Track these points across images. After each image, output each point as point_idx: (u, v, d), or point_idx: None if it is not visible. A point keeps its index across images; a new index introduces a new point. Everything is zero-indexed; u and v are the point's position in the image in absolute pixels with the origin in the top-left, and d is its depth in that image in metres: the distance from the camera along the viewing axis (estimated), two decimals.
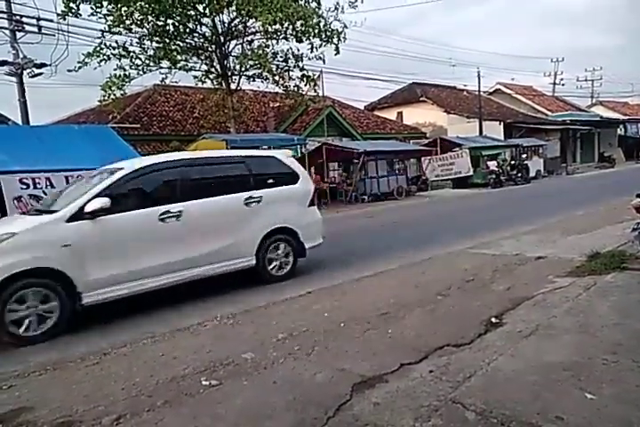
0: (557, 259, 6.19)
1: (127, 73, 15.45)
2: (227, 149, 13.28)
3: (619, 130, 36.30)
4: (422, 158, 21.47)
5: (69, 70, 14.68)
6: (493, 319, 4.10)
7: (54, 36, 14.41)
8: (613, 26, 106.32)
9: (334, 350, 3.72)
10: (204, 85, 17.62)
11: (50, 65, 14.73)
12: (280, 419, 2.73)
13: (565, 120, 31.64)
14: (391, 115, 29.47)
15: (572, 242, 7.17)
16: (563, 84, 43.16)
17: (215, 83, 17.18)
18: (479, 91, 28.16)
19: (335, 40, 15.98)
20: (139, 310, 5.35)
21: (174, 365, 3.65)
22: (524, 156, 23.16)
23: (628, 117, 40.30)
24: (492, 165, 20.59)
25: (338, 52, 16.38)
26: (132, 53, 15.46)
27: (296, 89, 17.57)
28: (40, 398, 3.25)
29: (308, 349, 3.75)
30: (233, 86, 16.97)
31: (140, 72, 15.80)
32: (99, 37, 14.89)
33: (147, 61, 15.70)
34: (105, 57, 14.94)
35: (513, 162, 22.18)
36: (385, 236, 9.88)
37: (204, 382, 3.29)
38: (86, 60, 14.76)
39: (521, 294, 4.75)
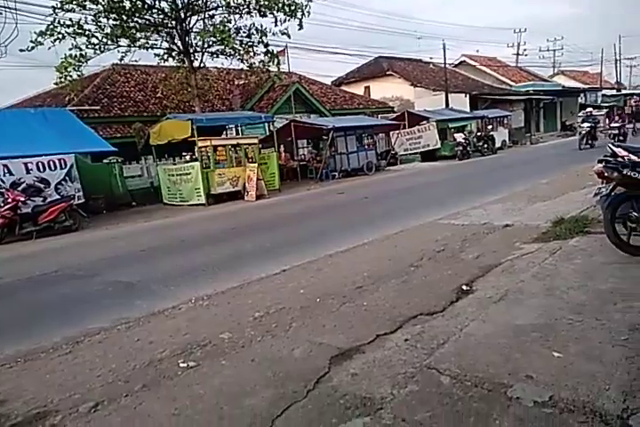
0: (524, 226, 6.36)
1: (83, 53, 14.77)
2: (192, 128, 12.99)
3: (580, 99, 37.05)
4: (391, 133, 21.49)
5: (21, 50, 13.92)
6: (464, 287, 4.21)
7: (1, 14, 13.62)
8: None
9: (311, 325, 3.75)
10: (166, 64, 17.04)
11: None
12: (260, 395, 2.75)
13: (529, 90, 32.10)
14: (358, 89, 29.26)
15: (538, 209, 7.36)
16: (526, 55, 43.70)
17: (177, 60, 16.63)
18: (445, 63, 28.16)
19: (299, 14, 15.63)
20: (110, 298, 5.27)
21: (150, 349, 3.62)
22: (490, 127, 23.44)
23: (588, 86, 41.15)
24: (459, 137, 20.77)
25: (301, 27, 16.06)
26: (87, 32, 14.73)
27: (261, 66, 17.18)
28: (12, 390, 3.18)
29: (285, 326, 3.78)
30: (196, 64, 16.46)
31: (98, 51, 15.12)
32: (50, 15, 14.13)
33: (104, 40, 15.02)
34: (59, 35, 14.21)
35: (479, 133, 22.44)
36: (356, 211, 9.92)
37: (181, 365, 3.28)
38: (39, 39, 14.01)
39: (490, 262, 4.88)
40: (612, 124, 18.58)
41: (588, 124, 18.83)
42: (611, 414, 2.22)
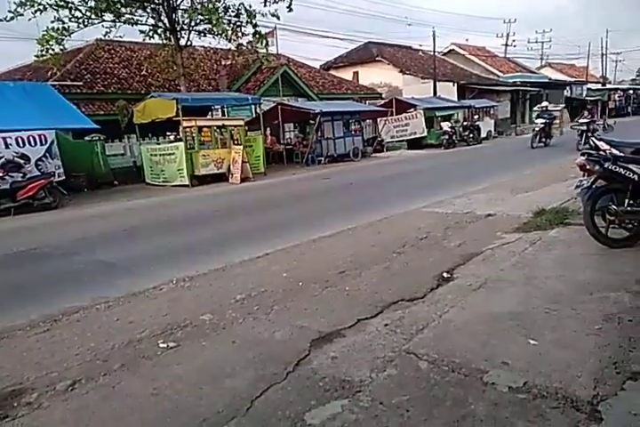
0: (506, 216, 6.43)
1: (66, 26, 14.34)
2: (177, 108, 12.76)
3: (565, 91, 37.35)
4: (378, 119, 21.41)
5: None
6: (445, 274, 4.26)
7: None
8: None
9: (293, 308, 3.77)
10: (152, 41, 16.63)
11: None
12: (240, 376, 2.77)
13: (516, 81, 32.24)
14: (347, 75, 29.02)
15: (520, 200, 7.45)
16: (514, 46, 43.73)
17: (163, 38, 16.23)
18: (434, 51, 28.05)
19: None
20: (89, 277, 5.21)
21: (130, 329, 3.60)
22: (476, 117, 23.51)
23: (574, 79, 41.48)
24: (446, 125, 20.81)
25: (291, 10, 15.78)
26: (70, 4, 14.27)
27: (249, 47, 16.88)
28: None
29: (267, 308, 3.79)
30: (182, 42, 16.10)
31: (81, 25, 14.68)
32: None
33: (87, 13, 14.56)
34: (40, 7, 13.73)
35: (465, 123, 22.49)
36: (341, 197, 9.93)
37: (161, 345, 3.27)
38: (19, 9, 13.54)
39: (471, 250, 4.94)
40: (581, 120, 16.54)
41: (543, 121, 17.45)
42: (582, 400, 2.28)
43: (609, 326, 2.99)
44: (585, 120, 16.31)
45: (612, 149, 4.63)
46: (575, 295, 3.52)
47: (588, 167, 4.55)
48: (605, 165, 4.38)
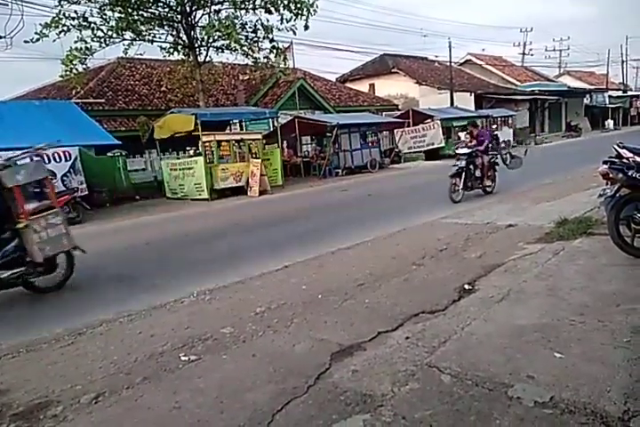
0: (527, 226, 6.34)
1: (89, 45, 14.79)
2: (196, 123, 12.98)
3: (585, 99, 36.91)
4: (395, 131, 21.43)
5: (26, 41, 13.93)
6: (466, 286, 4.20)
7: (7, 5, 13.58)
8: None
9: (313, 321, 3.76)
10: (171, 57, 17.04)
11: (4, 37, 13.93)
12: (261, 390, 2.76)
13: (534, 90, 31.98)
14: (363, 87, 29.20)
15: (542, 210, 7.34)
16: (532, 55, 43.52)
17: (182, 54, 16.61)
18: (450, 62, 28.06)
19: (305, 12, 15.48)
20: (112, 290, 5.29)
21: (152, 342, 3.63)
22: (495, 126, 23.38)
23: (594, 87, 40.97)
24: (464, 136, 20.69)
25: (307, 28, 15.88)
26: (92, 24, 14.74)
27: (266, 61, 17.14)
28: (15, 380, 3.19)
29: (287, 321, 3.78)
30: (201, 58, 16.44)
31: (103, 44, 15.14)
32: (55, 7, 14.12)
33: (109, 33, 15.02)
34: (64, 28, 14.21)
35: None
36: (359, 209, 9.91)
37: (182, 358, 3.29)
38: (44, 31, 14.02)
39: (492, 261, 4.87)
40: (459, 150, 9.72)
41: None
42: (612, 415, 2.22)
43: (638, 338, 2.90)
44: (464, 149, 9.41)
45: (636, 156, 4.54)
46: (601, 307, 3.44)
47: (611, 176, 4.48)
48: (629, 173, 4.30)
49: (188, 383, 2.93)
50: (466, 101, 26.90)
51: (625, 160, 4.53)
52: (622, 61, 46.34)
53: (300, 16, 15.53)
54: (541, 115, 33.14)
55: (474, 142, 9.80)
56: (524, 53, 42.68)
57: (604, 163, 4.57)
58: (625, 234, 4.47)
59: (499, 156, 10.89)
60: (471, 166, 9.48)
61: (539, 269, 4.46)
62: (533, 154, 20.38)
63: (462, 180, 9.20)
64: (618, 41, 77.01)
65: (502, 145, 12.36)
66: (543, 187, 9.88)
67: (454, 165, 9.39)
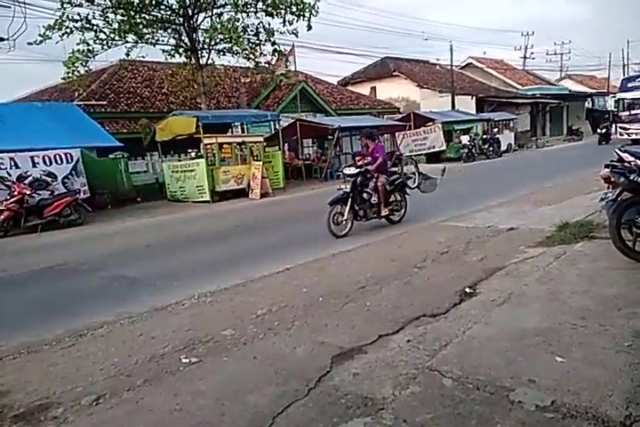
0: (528, 230, 6.34)
1: (91, 48, 14.83)
2: (197, 125, 12.99)
3: (586, 103, 36.92)
4: (396, 134, 21.45)
5: (29, 43, 13.99)
6: (467, 289, 4.20)
7: (10, 7, 13.64)
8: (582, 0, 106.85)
9: (314, 324, 3.76)
10: (173, 60, 17.10)
11: (7, 39, 13.99)
12: (261, 393, 2.76)
13: (535, 94, 32.01)
14: (364, 90, 29.24)
15: (543, 213, 7.34)
16: (533, 58, 43.51)
17: (184, 57, 16.65)
18: (451, 65, 28.11)
19: (307, 14, 15.58)
20: (113, 292, 5.29)
21: (153, 344, 3.63)
22: (496, 130, 23.39)
23: (595, 91, 40.98)
24: (465, 139, 20.73)
25: (310, 28, 15.97)
26: (95, 27, 14.80)
27: (267, 65, 17.19)
28: (15, 381, 3.20)
29: (288, 324, 3.78)
30: (203, 61, 16.49)
31: (105, 47, 15.17)
32: (58, 9, 14.17)
33: (111, 35, 15.06)
34: (67, 30, 14.27)
35: (485, 136, 22.36)
36: None
37: (183, 360, 3.29)
38: (47, 33, 14.07)
39: (494, 265, 4.87)
40: (347, 171, 7.57)
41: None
42: (613, 420, 2.21)
43: (639, 342, 2.90)
44: (350, 169, 7.49)
45: (638, 160, 4.55)
46: (603, 311, 3.43)
47: (612, 179, 4.48)
48: (631, 177, 4.29)
49: (189, 385, 2.93)
50: (467, 105, 26.92)
51: (627, 164, 4.54)
52: (623, 65, 46.32)
53: (302, 17, 15.61)
54: (542, 118, 33.16)
55: (367, 160, 7.62)
56: (525, 57, 42.74)
57: (606, 166, 4.58)
58: (626, 238, 4.46)
59: (415, 176, 8.57)
60: (366, 190, 7.42)
61: (540, 272, 4.46)
62: (534, 157, 20.44)
63: (349, 207, 7.12)
64: (619, 45, 77.10)
65: (407, 162, 8.96)
66: (545, 190, 9.88)
67: (339, 189, 7.31)
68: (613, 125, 21.80)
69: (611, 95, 23.39)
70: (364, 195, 7.42)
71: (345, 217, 7.15)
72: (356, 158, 8.09)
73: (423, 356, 3.01)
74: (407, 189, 8.14)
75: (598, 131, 24.32)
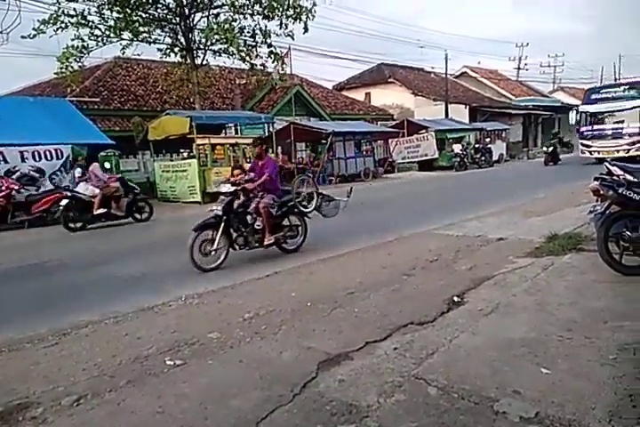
0: (518, 240, 6.38)
1: (86, 44, 14.75)
2: (191, 125, 12.94)
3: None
4: (390, 140, 21.56)
5: (23, 37, 13.89)
6: (456, 298, 4.21)
7: (4, 0, 13.53)
8: (576, 13, 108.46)
9: (301, 329, 3.74)
10: (168, 59, 17.05)
11: (1, 32, 13.86)
12: (246, 397, 2.73)
13: (528, 105, 32.38)
14: (359, 95, 29.37)
15: (532, 224, 7.39)
16: (527, 69, 43.95)
17: (179, 56, 16.61)
18: (446, 73, 28.33)
19: (304, 17, 15.65)
20: (98, 291, 5.23)
21: (138, 345, 3.59)
22: (488, 139, 23.62)
23: None
24: (457, 148, 20.91)
25: (306, 31, 16.07)
26: (90, 23, 14.71)
27: (262, 67, 17.21)
28: None
29: (275, 328, 3.76)
30: (198, 61, 16.46)
31: (100, 43, 15.10)
32: (54, 4, 14.08)
33: (107, 32, 14.99)
34: (62, 25, 14.16)
35: (477, 145, 22.57)
36: (351, 217, 9.90)
37: (168, 362, 3.25)
38: (42, 27, 13.96)
39: (482, 274, 4.89)
40: (223, 188, 6.33)
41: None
42: None
43: (624, 356, 2.92)
44: (226, 186, 6.26)
45: (626, 174, 4.60)
46: (589, 323, 3.45)
47: (601, 192, 4.52)
48: (619, 191, 4.34)
49: (173, 388, 2.90)
50: (460, 114, 27.14)
51: (615, 177, 4.58)
52: (615, 79, 46.95)
53: (298, 20, 15.67)
54: (535, 130, 33.53)
55: (250, 175, 6.29)
56: (519, 68, 43.17)
57: (596, 179, 4.62)
58: (614, 251, 4.50)
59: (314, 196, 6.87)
60: (248, 211, 6.25)
61: (528, 283, 4.48)
62: (525, 168, 20.56)
63: (221, 233, 5.89)
64: (611, 59, 78.26)
65: (303, 180, 7.10)
66: (535, 201, 9.95)
67: (210, 210, 6.10)
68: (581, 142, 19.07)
69: (574, 108, 20.48)
70: (248, 218, 6.24)
71: (215, 246, 5.83)
72: (237, 173, 6.46)
73: (409, 364, 3.00)
74: (309, 212, 6.76)
75: (544, 149, 21.82)
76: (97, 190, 9.78)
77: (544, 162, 20.88)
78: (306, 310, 4.14)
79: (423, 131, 21.55)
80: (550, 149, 21.01)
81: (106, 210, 9.74)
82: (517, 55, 43.21)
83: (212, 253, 5.85)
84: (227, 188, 6.12)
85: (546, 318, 3.60)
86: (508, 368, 2.86)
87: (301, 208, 6.61)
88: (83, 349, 3.57)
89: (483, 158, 21.81)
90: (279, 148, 17.79)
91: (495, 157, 23.23)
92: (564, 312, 3.70)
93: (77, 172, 10.58)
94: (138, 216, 10.40)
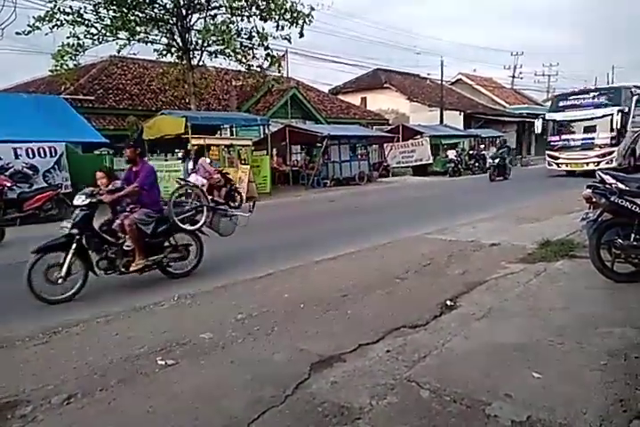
0: (510, 246, 6.41)
1: (81, 42, 14.70)
2: (186, 125, 12.91)
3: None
4: (384, 145, 21.64)
5: (18, 33, 13.82)
6: (448, 302, 4.22)
7: None
8: (571, 25, 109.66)
9: (294, 330, 3.73)
10: (165, 59, 17.01)
11: None
12: (237, 398, 2.72)
13: (522, 113, 32.61)
14: (355, 100, 29.46)
15: (525, 230, 7.44)
16: (521, 78, 44.33)
17: (175, 57, 16.58)
18: (442, 80, 28.51)
19: (301, 22, 15.68)
20: (91, 290, 5.18)
21: (129, 344, 3.57)
22: (482, 146, 23.75)
23: None
24: (452, 154, 21.01)
25: (302, 35, 16.08)
26: (87, 21, 14.67)
27: (258, 69, 17.22)
28: None
29: (268, 329, 3.75)
30: (194, 62, 16.43)
31: (96, 42, 15.07)
32: (51, 1, 14.02)
33: (103, 31, 14.94)
34: (58, 22, 14.11)
35: (471, 152, 22.71)
36: (345, 220, 9.92)
37: (159, 362, 3.23)
38: (37, 24, 13.90)
39: (475, 279, 4.91)
40: (76, 200, 5.13)
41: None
42: None
43: (614, 361, 2.94)
44: (80, 198, 5.05)
45: (618, 182, 4.64)
46: (580, 329, 3.48)
47: (594, 200, 4.57)
48: (611, 199, 4.39)
49: (164, 388, 2.88)
50: (455, 120, 27.31)
51: (608, 186, 4.63)
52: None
53: (295, 24, 15.70)
54: (528, 137, 33.75)
55: (117, 184, 5.40)
56: (513, 76, 43.54)
57: (588, 187, 4.67)
58: (605, 258, 4.54)
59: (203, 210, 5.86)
60: (113, 228, 5.21)
61: (520, 288, 4.51)
62: (519, 174, 20.68)
63: (71, 256, 4.76)
64: (605, 69, 79.20)
65: (187, 190, 6.26)
66: (528, 208, 10.01)
67: (62, 227, 4.92)
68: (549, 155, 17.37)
69: (539, 116, 18.67)
70: (112, 237, 5.15)
71: (64, 271, 4.70)
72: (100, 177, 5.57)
73: (402, 367, 3.01)
74: (196, 229, 5.74)
75: (489, 162, 18.44)
76: (205, 181, 11.13)
77: (489, 177, 17.53)
78: (299, 312, 4.14)
79: (418, 136, 21.65)
80: (496, 160, 17.68)
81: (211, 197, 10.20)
82: (512, 64, 43.61)
83: (60, 280, 4.69)
84: (81, 200, 4.97)
85: (537, 324, 3.62)
86: (499, 372, 2.87)
87: (183, 225, 5.51)
88: (73, 348, 3.55)
89: (477, 165, 21.91)
90: (274, 150, 17.80)
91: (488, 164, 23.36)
92: (556, 318, 3.72)
93: (190, 164, 11.77)
94: (231, 204, 11.03)
